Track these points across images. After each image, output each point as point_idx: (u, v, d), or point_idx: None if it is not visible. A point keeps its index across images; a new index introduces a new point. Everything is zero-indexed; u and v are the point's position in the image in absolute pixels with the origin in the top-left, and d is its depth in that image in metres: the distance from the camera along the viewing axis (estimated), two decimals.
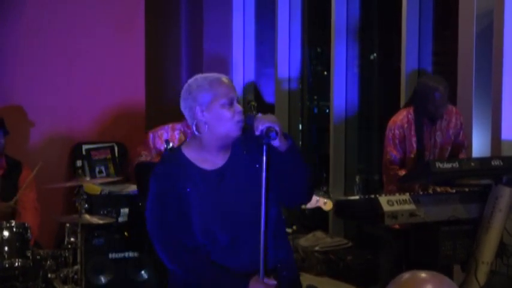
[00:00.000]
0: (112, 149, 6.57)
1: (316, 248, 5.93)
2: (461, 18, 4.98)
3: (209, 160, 2.77)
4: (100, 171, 6.48)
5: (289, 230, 6.41)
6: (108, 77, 6.62)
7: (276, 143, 2.67)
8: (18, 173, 5.13)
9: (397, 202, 3.92)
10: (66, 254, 4.78)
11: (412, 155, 4.59)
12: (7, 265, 4.42)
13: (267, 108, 7.09)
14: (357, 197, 4.63)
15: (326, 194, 4.37)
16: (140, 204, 5.17)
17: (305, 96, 7.21)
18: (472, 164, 4.02)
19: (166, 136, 4.94)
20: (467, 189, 4.26)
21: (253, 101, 6.66)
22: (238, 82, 7.53)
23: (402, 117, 4.63)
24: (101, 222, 4.86)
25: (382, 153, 4.84)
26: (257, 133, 2.64)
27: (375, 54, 6.64)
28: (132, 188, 5.84)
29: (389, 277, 1.81)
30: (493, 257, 4.03)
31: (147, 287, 5.49)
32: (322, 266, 5.84)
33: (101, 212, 5.66)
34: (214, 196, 2.74)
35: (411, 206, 3.94)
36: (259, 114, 2.70)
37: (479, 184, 4.22)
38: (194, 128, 2.75)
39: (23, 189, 5.08)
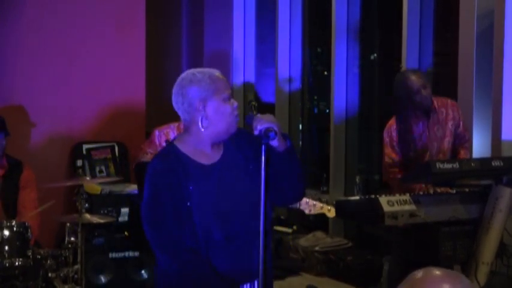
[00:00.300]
0: (112, 148, 6.57)
1: (316, 248, 5.94)
2: (462, 18, 4.99)
3: (205, 155, 2.76)
4: (100, 171, 6.48)
5: (289, 230, 6.43)
6: (109, 77, 6.62)
7: (274, 143, 2.66)
8: (19, 173, 5.13)
9: (397, 202, 3.92)
10: (67, 254, 4.78)
11: (412, 153, 4.59)
12: (7, 264, 4.42)
13: (267, 108, 7.09)
14: (357, 197, 4.62)
15: (329, 202, 4.37)
16: (140, 203, 5.16)
17: (305, 96, 7.21)
18: (472, 164, 4.02)
19: (172, 134, 4.91)
20: (467, 190, 4.26)
21: (254, 100, 6.66)
22: (239, 82, 7.53)
23: (397, 121, 4.61)
24: (101, 221, 4.85)
25: (382, 155, 4.83)
26: (256, 133, 2.63)
27: (375, 54, 6.64)
28: (133, 187, 5.84)
29: (395, 278, 1.79)
30: (493, 258, 4.03)
31: (147, 286, 5.48)
32: (322, 266, 5.85)
33: (101, 212, 5.66)
34: (213, 192, 2.73)
35: (411, 207, 3.94)
36: (258, 115, 2.70)
37: (480, 184, 4.21)
38: (200, 124, 2.71)
39: (23, 189, 5.09)
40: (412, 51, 5.61)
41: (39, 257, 4.63)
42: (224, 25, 7.49)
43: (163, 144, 4.93)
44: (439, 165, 3.89)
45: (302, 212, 4.23)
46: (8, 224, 4.52)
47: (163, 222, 2.69)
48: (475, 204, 4.13)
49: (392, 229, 4.41)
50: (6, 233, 4.48)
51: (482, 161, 4.13)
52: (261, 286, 2.58)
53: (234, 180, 2.77)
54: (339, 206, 4.36)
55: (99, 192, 5.85)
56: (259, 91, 7.50)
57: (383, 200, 3.90)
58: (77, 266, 4.75)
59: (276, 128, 2.61)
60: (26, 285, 4.55)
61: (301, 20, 7.10)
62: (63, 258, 4.78)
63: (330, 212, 4.25)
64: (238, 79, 7.49)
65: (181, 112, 2.76)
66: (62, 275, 4.74)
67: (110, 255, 5.51)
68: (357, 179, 5.84)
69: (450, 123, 4.57)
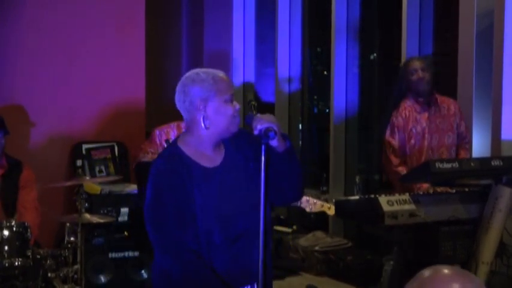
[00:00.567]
0: (112, 148, 6.57)
1: (316, 248, 5.94)
2: (462, 18, 4.99)
3: (207, 157, 2.76)
4: (100, 171, 6.48)
5: (289, 230, 6.42)
6: (109, 77, 6.62)
7: (274, 143, 2.65)
8: (19, 173, 5.12)
9: (397, 202, 3.92)
10: (66, 254, 4.77)
11: (413, 141, 4.61)
12: (7, 264, 4.42)
13: (267, 108, 7.09)
14: (356, 197, 4.62)
15: (329, 200, 4.39)
16: (140, 203, 5.17)
17: (305, 96, 7.21)
18: (472, 164, 4.02)
19: (172, 134, 4.93)
20: (467, 190, 4.26)
21: (254, 100, 6.66)
22: (239, 82, 7.53)
23: (402, 107, 4.68)
24: (101, 221, 4.85)
25: (381, 153, 4.85)
26: (256, 133, 2.63)
27: (374, 54, 6.64)
28: (132, 187, 5.84)
29: (396, 278, 1.77)
30: (492, 257, 4.03)
31: (147, 286, 5.48)
32: (322, 265, 5.85)
33: (101, 212, 5.65)
34: (215, 195, 2.72)
35: (411, 206, 3.94)
36: (258, 114, 2.69)
37: (479, 184, 4.21)
38: (203, 124, 2.71)
39: (23, 189, 5.09)
40: (412, 51, 5.61)
41: (38, 257, 4.63)
42: (224, 25, 7.49)
43: (164, 143, 4.94)
44: (438, 164, 3.89)
45: (302, 210, 4.24)
46: (8, 224, 4.52)
47: (165, 223, 2.68)
48: (474, 204, 4.13)
49: (393, 229, 4.43)
50: (6, 233, 4.48)
51: (482, 160, 4.13)
52: (260, 287, 2.58)
53: (235, 183, 2.76)
54: (338, 206, 4.36)
55: (98, 192, 5.85)
56: (259, 91, 7.50)
57: (383, 199, 3.90)
58: (76, 266, 4.74)
59: (275, 128, 2.61)
60: (25, 285, 4.54)
61: (301, 20, 7.10)
62: (62, 258, 4.77)
63: (330, 210, 4.26)
64: (238, 79, 7.49)
65: (183, 111, 2.75)
66: (61, 275, 4.73)
67: (110, 255, 5.51)
68: (357, 179, 5.83)
69: (452, 119, 4.65)
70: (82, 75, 6.52)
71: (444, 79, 5.42)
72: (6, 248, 4.44)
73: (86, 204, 4.82)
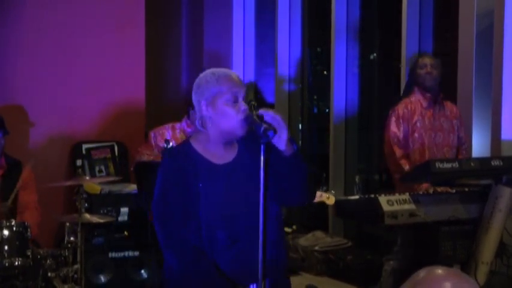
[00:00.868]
0: (112, 148, 6.57)
1: (316, 248, 5.94)
2: (462, 18, 4.99)
3: (217, 154, 2.78)
4: (100, 171, 6.48)
5: (288, 230, 6.42)
6: (109, 76, 6.62)
7: (281, 146, 2.67)
8: (19, 173, 5.12)
9: (397, 202, 3.92)
10: (66, 253, 4.77)
11: (417, 134, 4.65)
12: (7, 264, 4.41)
13: (267, 108, 7.08)
14: (356, 197, 4.63)
15: (328, 191, 4.41)
16: (140, 203, 5.17)
17: (305, 96, 7.21)
18: (472, 164, 4.02)
19: (168, 135, 5.00)
20: (467, 190, 4.26)
21: (254, 100, 6.67)
22: None
23: (408, 100, 4.75)
24: (100, 221, 4.85)
25: (382, 153, 4.86)
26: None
27: (374, 54, 6.64)
28: (132, 187, 5.84)
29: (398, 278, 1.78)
30: (492, 257, 4.03)
31: (147, 286, 5.48)
32: (322, 265, 5.84)
33: (101, 211, 5.65)
34: (221, 192, 2.74)
35: (411, 206, 3.94)
36: (267, 112, 2.68)
37: (479, 184, 4.22)
38: (198, 123, 2.77)
39: (23, 190, 5.08)
40: (412, 51, 5.62)
41: (38, 256, 4.63)
42: (224, 25, 7.49)
43: (160, 144, 5.02)
44: (438, 164, 3.89)
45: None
46: (8, 223, 4.51)
47: (169, 221, 2.72)
48: (474, 203, 4.13)
49: (395, 228, 4.43)
50: (6, 232, 4.47)
51: (481, 160, 4.13)
52: (260, 286, 2.58)
53: (243, 182, 2.77)
54: (338, 206, 4.37)
55: (98, 192, 5.85)
56: (259, 91, 7.50)
57: (383, 199, 3.90)
58: (76, 266, 4.74)
59: (285, 132, 2.62)
60: (25, 285, 4.54)
61: (301, 20, 7.10)
62: (62, 258, 4.77)
63: (329, 200, 4.28)
64: None
65: (196, 109, 2.81)
66: (61, 274, 4.73)
67: (110, 254, 5.51)
68: (357, 179, 5.84)
69: (454, 122, 4.73)
70: (82, 75, 6.52)
71: (444, 79, 5.41)
72: (6, 247, 4.44)
73: (86, 204, 4.82)
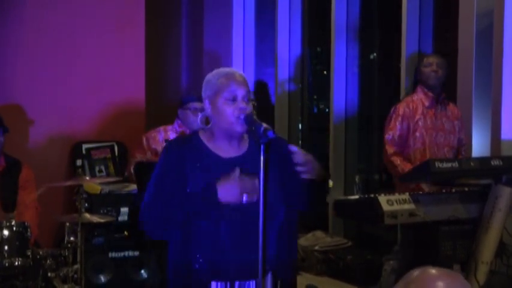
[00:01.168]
0: (112, 148, 6.57)
1: (316, 248, 5.93)
2: (462, 17, 4.99)
3: (223, 148, 2.83)
4: (100, 171, 6.48)
5: None
6: (109, 76, 6.62)
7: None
8: (18, 172, 5.12)
9: (396, 202, 3.92)
10: (66, 253, 4.78)
11: (418, 133, 4.66)
12: (7, 264, 4.42)
13: (266, 108, 7.09)
14: (356, 197, 4.63)
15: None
16: (140, 203, 5.17)
17: (305, 95, 7.21)
18: (472, 163, 4.02)
19: (160, 137, 5.05)
20: (467, 189, 4.26)
21: (254, 100, 6.67)
22: None
23: (410, 98, 4.77)
24: (100, 221, 4.86)
25: (382, 153, 4.87)
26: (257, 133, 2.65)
27: (374, 54, 6.64)
28: (132, 187, 5.84)
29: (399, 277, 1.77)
30: (492, 257, 4.03)
31: (147, 286, 5.48)
32: (322, 265, 5.84)
33: (101, 211, 5.65)
34: None
35: (411, 206, 3.93)
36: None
37: (479, 184, 4.21)
38: (200, 119, 2.84)
39: (22, 189, 5.09)
40: (412, 51, 5.62)
41: (38, 256, 4.63)
42: (224, 25, 7.48)
43: (153, 146, 5.07)
44: (438, 164, 3.89)
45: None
46: (8, 223, 4.52)
47: (161, 196, 2.75)
48: (474, 203, 4.13)
49: (395, 228, 4.43)
50: (6, 232, 4.48)
51: (481, 160, 4.13)
52: (259, 284, 2.59)
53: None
54: (338, 206, 4.37)
55: (98, 192, 5.85)
56: (259, 91, 7.50)
57: (382, 199, 3.89)
58: (76, 266, 4.74)
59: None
60: (25, 285, 4.54)
61: (301, 20, 7.09)
62: (62, 258, 4.78)
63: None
64: None
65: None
66: (61, 274, 4.74)
67: (110, 254, 5.51)
68: (357, 179, 5.84)
69: (455, 123, 4.74)
70: (82, 75, 6.52)
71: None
72: (6, 247, 4.44)
73: (86, 204, 4.83)
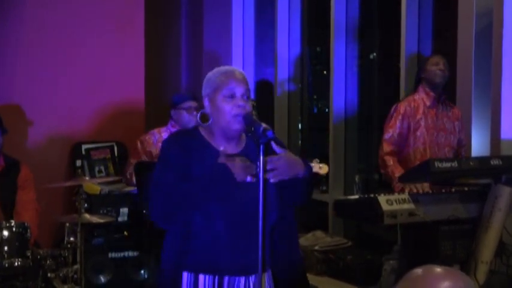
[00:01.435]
0: (112, 148, 6.57)
1: (316, 248, 5.93)
2: (461, 17, 4.98)
3: (221, 144, 2.84)
4: (100, 171, 6.48)
5: None
6: (108, 77, 6.62)
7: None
8: (17, 173, 5.12)
9: (396, 201, 3.92)
10: (66, 254, 4.77)
11: (419, 132, 4.66)
12: (7, 265, 4.42)
13: (266, 108, 7.09)
14: (356, 197, 4.63)
15: (319, 160, 4.39)
16: (140, 203, 5.18)
17: (305, 95, 7.21)
18: (471, 163, 4.01)
19: (154, 139, 5.07)
20: (466, 189, 4.26)
21: (253, 100, 6.66)
22: None
23: (408, 99, 4.78)
24: (100, 221, 4.86)
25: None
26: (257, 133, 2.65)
27: (374, 54, 6.64)
28: (132, 187, 5.84)
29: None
30: (492, 257, 4.03)
31: (147, 286, 5.48)
32: (322, 265, 5.84)
33: (101, 212, 5.65)
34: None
35: (410, 206, 3.93)
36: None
37: (479, 183, 4.21)
38: (198, 117, 2.87)
39: (21, 189, 5.09)
40: (411, 51, 5.62)
41: (38, 257, 4.63)
42: (223, 25, 7.48)
43: (147, 149, 5.08)
44: (437, 164, 3.89)
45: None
46: (7, 224, 4.52)
47: (163, 184, 2.76)
48: (474, 203, 4.13)
49: (395, 228, 4.43)
50: (6, 233, 4.48)
51: (481, 159, 4.13)
52: (258, 284, 2.59)
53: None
54: (338, 206, 4.37)
55: (98, 192, 5.85)
56: (259, 91, 7.50)
57: (382, 199, 3.89)
58: (76, 266, 4.74)
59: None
60: (25, 286, 4.55)
61: (300, 20, 7.09)
62: (62, 258, 4.78)
63: (322, 169, 4.28)
64: None
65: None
66: (61, 275, 4.74)
67: (110, 255, 5.51)
68: (356, 178, 5.84)
69: (456, 123, 4.75)
70: (82, 75, 6.52)
71: None
72: (5, 248, 4.44)
73: (86, 205, 4.83)
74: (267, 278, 2.85)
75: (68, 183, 5.31)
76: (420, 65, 4.94)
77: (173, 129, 5.05)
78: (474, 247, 4.03)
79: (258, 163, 2.62)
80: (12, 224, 4.53)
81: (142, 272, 5.54)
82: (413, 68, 5.39)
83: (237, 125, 2.77)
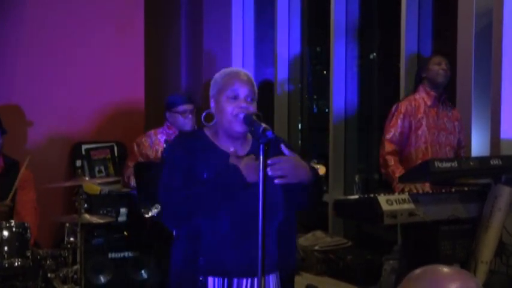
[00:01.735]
0: (111, 148, 6.57)
1: (316, 248, 5.93)
2: (461, 17, 4.98)
3: (226, 145, 2.85)
4: (99, 171, 6.48)
5: None
6: (108, 77, 6.62)
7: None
8: (16, 173, 5.12)
9: (396, 201, 3.92)
10: (66, 254, 4.78)
11: (420, 131, 4.67)
12: (7, 265, 4.42)
13: (266, 108, 7.09)
14: (356, 197, 4.63)
15: (317, 161, 4.39)
16: (140, 203, 5.18)
17: (305, 95, 7.21)
18: (471, 163, 4.02)
19: (150, 142, 5.05)
20: (466, 189, 4.26)
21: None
22: None
23: (409, 98, 4.78)
24: (100, 221, 4.86)
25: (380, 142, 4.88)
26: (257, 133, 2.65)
27: (374, 54, 6.64)
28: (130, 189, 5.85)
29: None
30: (492, 257, 4.02)
31: (147, 286, 5.49)
32: (321, 265, 5.84)
33: (101, 212, 5.66)
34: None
35: (410, 206, 3.93)
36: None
37: (479, 183, 4.21)
38: (202, 117, 2.88)
39: (21, 189, 5.09)
40: (411, 51, 5.62)
41: (38, 257, 4.64)
42: (223, 25, 7.48)
43: (143, 152, 5.07)
44: (437, 164, 3.89)
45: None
46: (7, 224, 4.52)
47: (171, 188, 2.77)
48: (474, 203, 4.13)
49: (394, 228, 4.43)
50: (6, 233, 4.48)
51: (481, 159, 4.13)
52: (259, 282, 2.59)
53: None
54: (338, 206, 4.37)
55: (98, 193, 5.85)
56: (258, 91, 7.50)
57: (382, 199, 3.89)
58: (76, 266, 4.75)
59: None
60: (25, 286, 4.55)
61: (300, 20, 7.09)
62: (62, 259, 4.78)
63: (320, 170, 4.28)
64: None
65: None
66: (61, 275, 4.74)
67: (109, 255, 5.52)
68: (356, 178, 5.84)
69: (456, 123, 4.75)
70: (82, 75, 6.52)
71: None
72: (5, 248, 4.45)
73: (86, 205, 4.83)
74: (274, 280, 2.85)
75: (68, 183, 5.32)
76: (421, 65, 4.94)
77: (170, 131, 5.04)
78: (474, 247, 4.03)
79: (268, 161, 2.62)
80: (12, 224, 4.53)
81: (142, 272, 5.55)
82: (413, 68, 5.39)
83: (237, 126, 2.78)
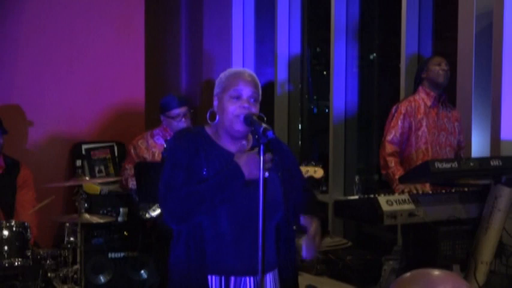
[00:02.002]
0: (112, 148, 6.57)
1: None
2: (461, 18, 4.98)
3: (227, 143, 2.86)
4: (100, 171, 6.48)
5: None
6: (108, 77, 6.62)
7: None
8: (17, 173, 5.13)
9: (396, 202, 3.92)
10: (66, 254, 4.78)
11: (420, 132, 4.67)
12: (7, 264, 4.42)
13: (266, 108, 7.08)
14: (356, 197, 4.63)
15: (315, 164, 4.39)
16: (140, 203, 5.18)
17: (305, 96, 7.21)
18: (471, 164, 4.02)
19: (146, 144, 5.06)
20: (466, 189, 4.26)
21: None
22: None
23: (409, 99, 4.78)
24: (100, 221, 4.86)
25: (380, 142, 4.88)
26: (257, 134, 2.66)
27: (374, 54, 6.64)
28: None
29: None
30: (492, 257, 4.03)
31: (147, 286, 5.49)
32: (321, 265, 5.84)
33: (101, 212, 5.66)
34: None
35: (410, 206, 3.94)
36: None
37: (479, 184, 4.22)
38: (207, 116, 2.89)
39: (21, 189, 5.09)
40: (411, 51, 5.62)
41: (38, 257, 4.64)
42: (223, 25, 7.48)
43: (140, 154, 5.07)
44: (437, 164, 3.89)
45: None
46: (8, 224, 4.52)
47: (172, 187, 2.76)
48: (474, 203, 4.13)
49: (396, 228, 4.42)
50: (6, 233, 4.48)
51: (481, 160, 4.13)
52: (259, 282, 2.59)
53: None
54: (338, 206, 4.37)
55: (98, 192, 5.86)
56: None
57: (382, 199, 3.90)
58: (76, 266, 4.75)
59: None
60: (25, 285, 4.55)
61: (301, 20, 7.09)
62: (62, 258, 4.79)
63: (317, 173, 4.29)
64: None
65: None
66: (61, 275, 4.74)
67: (109, 255, 5.52)
68: (356, 179, 5.83)
69: (456, 124, 4.76)
70: (82, 75, 6.52)
71: None
72: (6, 248, 4.45)
73: (86, 205, 4.83)
74: (272, 278, 2.85)
75: (68, 183, 5.31)
76: (420, 66, 4.94)
77: (166, 133, 5.06)
78: (474, 247, 4.03)
79: (274, 158, 2.65)
80: (12, 224, 4.53)
81: (142, 272, 5.55)
82: (413, 68, 5.40)
83: (238, 125, 2.79)
